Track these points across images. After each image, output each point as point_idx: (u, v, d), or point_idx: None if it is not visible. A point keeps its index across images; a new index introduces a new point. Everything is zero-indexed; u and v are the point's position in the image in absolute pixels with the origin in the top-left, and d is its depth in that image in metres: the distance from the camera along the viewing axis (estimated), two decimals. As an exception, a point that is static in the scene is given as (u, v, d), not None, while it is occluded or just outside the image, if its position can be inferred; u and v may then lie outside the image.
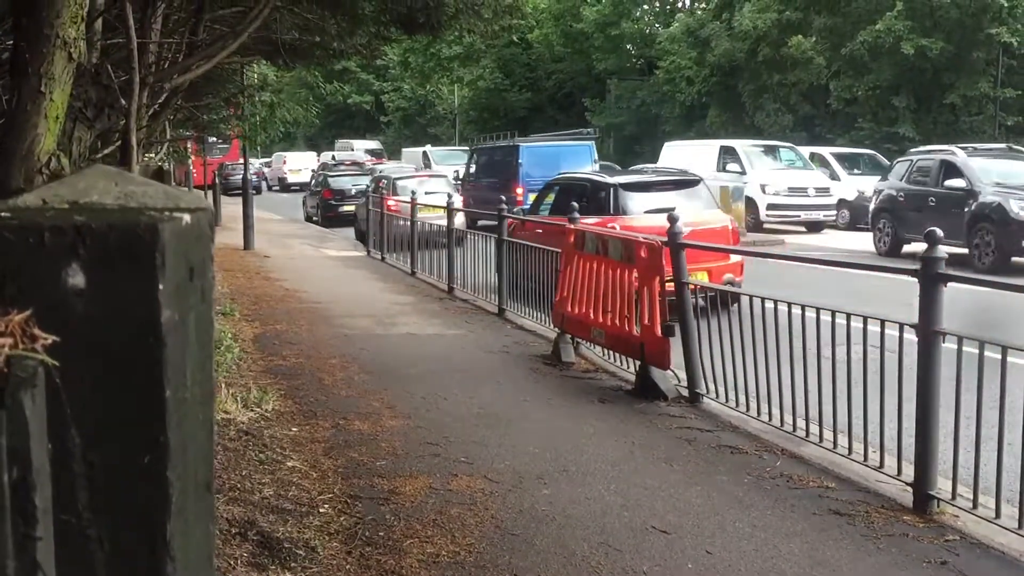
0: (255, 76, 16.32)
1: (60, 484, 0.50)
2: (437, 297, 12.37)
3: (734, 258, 10.19)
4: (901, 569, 3.98)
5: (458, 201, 15.29)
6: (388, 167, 26.74)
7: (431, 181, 21.06)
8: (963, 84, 28.54)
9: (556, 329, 8.49)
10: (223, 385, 6.59)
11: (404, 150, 39.30)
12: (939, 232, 4.61)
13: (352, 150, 41.96)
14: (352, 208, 23.31)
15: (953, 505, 4.54)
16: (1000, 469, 4.30)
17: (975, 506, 4.42)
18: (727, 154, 22.78)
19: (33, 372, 0.45)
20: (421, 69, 55.39)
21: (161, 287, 0.51)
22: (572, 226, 8.43)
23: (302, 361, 8.12)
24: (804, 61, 33.02)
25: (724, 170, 22.23)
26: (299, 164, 41.97)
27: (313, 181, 29.45)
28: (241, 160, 23.32)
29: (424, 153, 35.13)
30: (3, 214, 0.53)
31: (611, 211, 10.88)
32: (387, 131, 58.98)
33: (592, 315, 7.74)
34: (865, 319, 5.20)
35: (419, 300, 12.16)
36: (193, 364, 0.56)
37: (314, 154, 45.00)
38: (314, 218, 26.81)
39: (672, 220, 7.08)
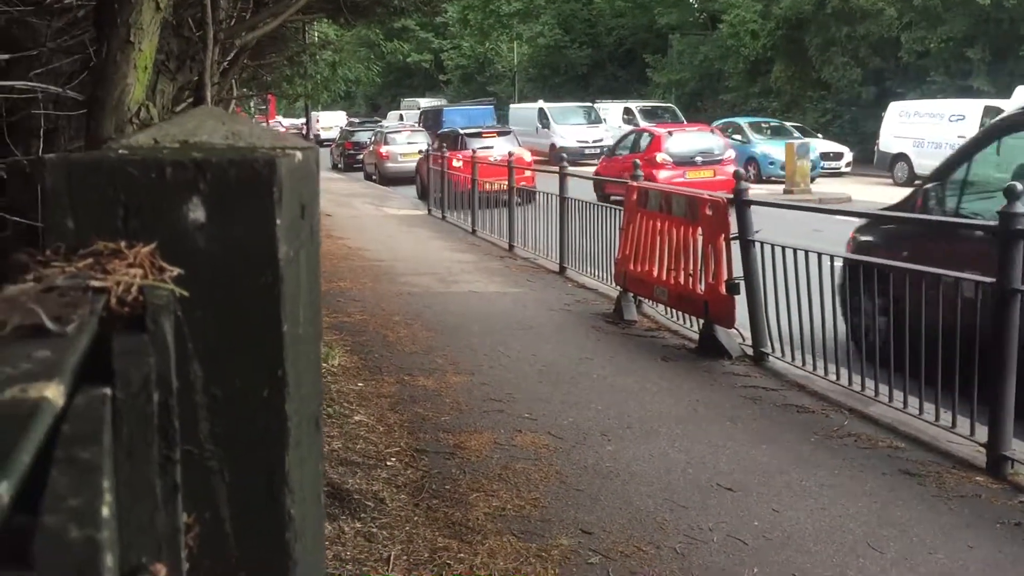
0: (316, 35, 16.38)
1: (183, 415, 0.51)
2: (498, 255, 12.39)
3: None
4: (973, 530, 3.91)
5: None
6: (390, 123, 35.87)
7: (415, 135, 27.46)
8: (1042, 35, 27.36)
9: (618, 287, 8.45)
10: (291, 340, 6.71)
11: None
12: (1019, 186, 4.45)
13: (419, 108, 42.92)
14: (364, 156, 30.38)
15: (1028, 467, 4.44)
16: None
17: (1052, 468, 4.32)
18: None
19: (167, 300, 0.45)
20: (480, 26, 55.08)
21: (278, 222, 0.51)
22: (635, 183, 8.35)
23: (366, 318, 8.22)
24: (874, 12, 31.96)
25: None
26: (330, 122, 47.04)
27: (338, 136, 36.66)
28: (278, 118, 31.88)
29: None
30: (122, 151, 0.53)
31: (460, 147, 19.32)
32: (447, 89, 58.81)
33: (655, 273, 7.69)
34: (939, 276, 5.07)
35: (480, 258, 12.20)
36: (305, 301, 0.56)
37: (343, 113, 49.12)
38: (339, 164, 33.19)
39: (738, 177, 6.97)
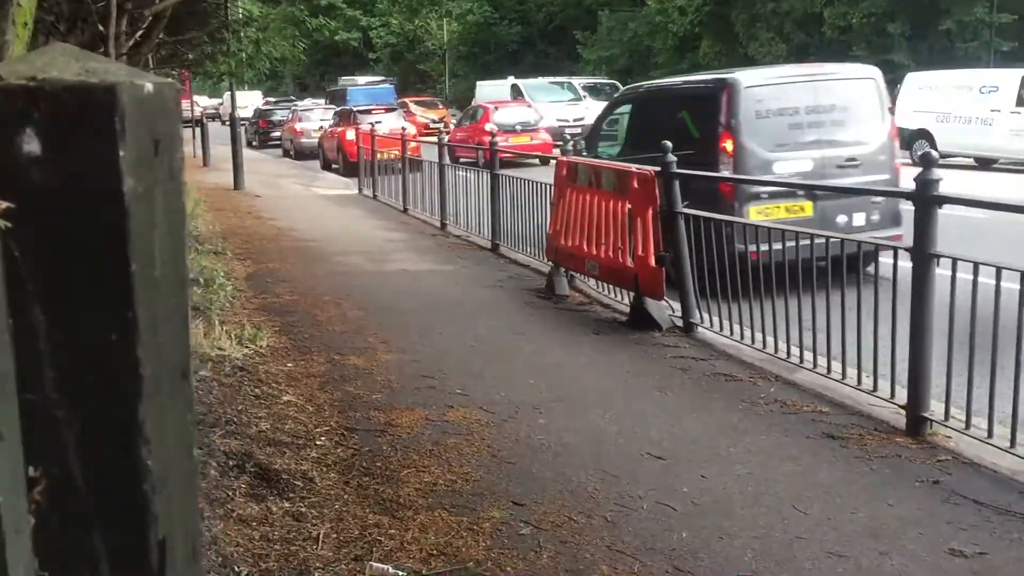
0: (240, 12, 16.00)
1: (25, 363, 0.47)
2: (430, 234, 12.32)
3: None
4: (893, 488, 4.02)
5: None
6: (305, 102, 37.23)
7: (327, 112, 29.47)
8: (958, 9, 28.15)
9: (550, 263, 8.47)
10: (217, 323, 6.58)
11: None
12: (934, 154, 4.56)
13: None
14: (279, 134, 32.61)
15: (946, 427, 4.57)
16: (992, 391, 4.32)
17: (967, 427, 4.46)
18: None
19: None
20: (409, 3, 54.57)
21: (122, 154, 0.48)
22: (565, 158, 8.35)
23: (296, 298, 8.10)
24: (798, -11, 32.50)
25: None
26: (245, 102, 49.67)
27: (252, 115, 37.79)
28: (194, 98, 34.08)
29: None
30: (-49, 83, 0.49)
31: (353, 122, 21.81)
32: (376, 68, 58.15)
33: (586, 247, 7.71)
34: (859, 243, 5.18)
35: (412, 237, 12.12)
36: (162, 242, 0.53)
37: (258, 93, 49.08)
38: (253, 142, 34.21)
39: (664, 149, 7.02)
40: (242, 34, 14.83)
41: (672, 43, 39.91)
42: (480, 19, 50.38)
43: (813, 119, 8.35)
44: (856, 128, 8.50)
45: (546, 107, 29.07)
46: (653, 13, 40.77)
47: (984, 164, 19.17)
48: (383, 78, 46.78)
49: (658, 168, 6.89)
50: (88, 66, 0.57)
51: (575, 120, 28.65)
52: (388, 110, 25.25)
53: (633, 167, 7.29)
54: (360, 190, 17.88)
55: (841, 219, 7.95)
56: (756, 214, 7.74)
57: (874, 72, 8.80)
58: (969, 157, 19.20)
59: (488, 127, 21.51)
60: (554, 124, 27.45)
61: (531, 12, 49.92)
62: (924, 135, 20.11)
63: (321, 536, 3.59)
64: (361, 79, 46.39)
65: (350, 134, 21.17)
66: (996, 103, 18.82)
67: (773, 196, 7.99)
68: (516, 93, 31.33)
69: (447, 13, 51.95)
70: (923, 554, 3.45)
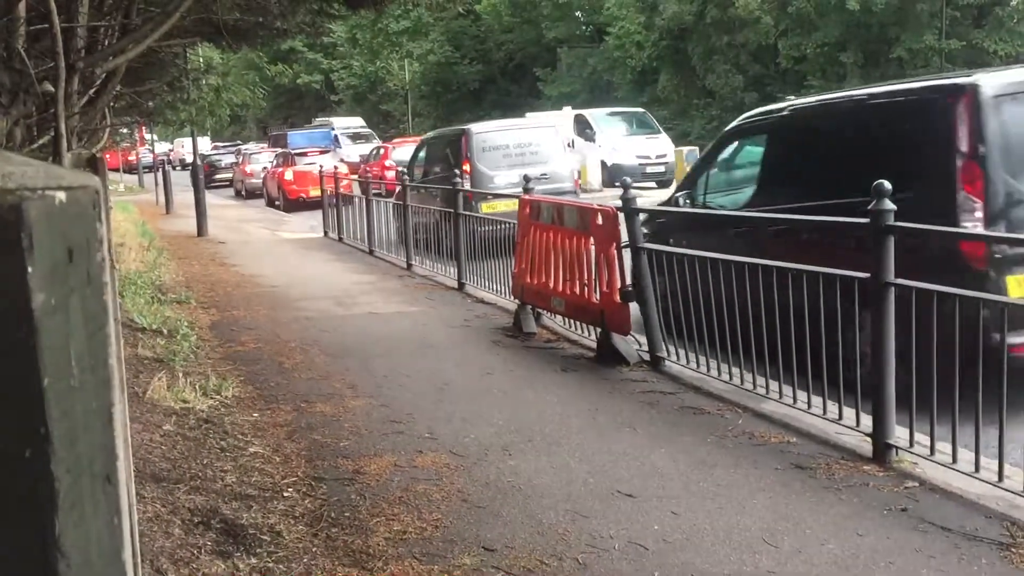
0: (200, 60, 16.01)
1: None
2: (396, 275, 12.31)
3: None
4: (862, 518, 4.04)
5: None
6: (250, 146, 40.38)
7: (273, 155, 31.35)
8: (908, 38, 28.80)
9: (516, 301, 8.48)
10: (180, 374, 6.50)
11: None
12: (887, 184, 4.63)
13: (332, 130, 43.12)
14: (227, 175, 35.02)
15: (911, 453, 4.61)
16: (955, 415, 4.37)
17: (932, 453, 4.50)
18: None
19: None
20: (370, 45, 54.88)
21: (30, 270, 0.48)
22: (527, 196, 8.41)
23: (261, 346, 8.04)
24: (752, 21, 33.09)
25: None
26: (191, 148, 49.80)
27: (195, 159, 38.88)
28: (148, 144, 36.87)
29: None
30: None
31: (291, 164, 25.25)
32: (338, 109, 58.30)
33: (551, 285, 7.74)
34: (820, 274, 5.24)
35: (379, 278, 12.09)
36: (79, 350, 0.53)
37: (207, 139, 49.89)
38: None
39: (625, 187, 7.08)
40: (202, 82, 14.84)
41: (631, 77, 40.45)
42: (441, 59, 50.76)
43: None
44: None
45: (620, 141, 24.94)
46: (612, 48, 41.32)
47: None
48: (360, 121, 46.90)
49: (620, 204, 6.93)
50: (4, 171, 0.57)
51: (657, 157, 24.39)
52: (323, 152, 28.20)
53: (595, 204, 7.35)
54: (326, 233, 17.84)
55: None
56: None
57: None
58: None
59: (388, 163, 24.84)
60: (633, 162, 23.59)
61: (491, 51, 50.41)
62: None
63: (289, 592, 3.54)
64: (337, 121, 46.47)
65: (288, 174, 25.10)
66: None
67: None
68: (583, 126, 26.06)
69: (408, 54, 52.29)
70: (893, 584, 3.46)
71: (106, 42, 4.34)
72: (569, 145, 10.03)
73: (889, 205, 4.58)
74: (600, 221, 7.03)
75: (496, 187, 13.09)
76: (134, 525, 2.53)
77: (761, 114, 7.64)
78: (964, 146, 5.41)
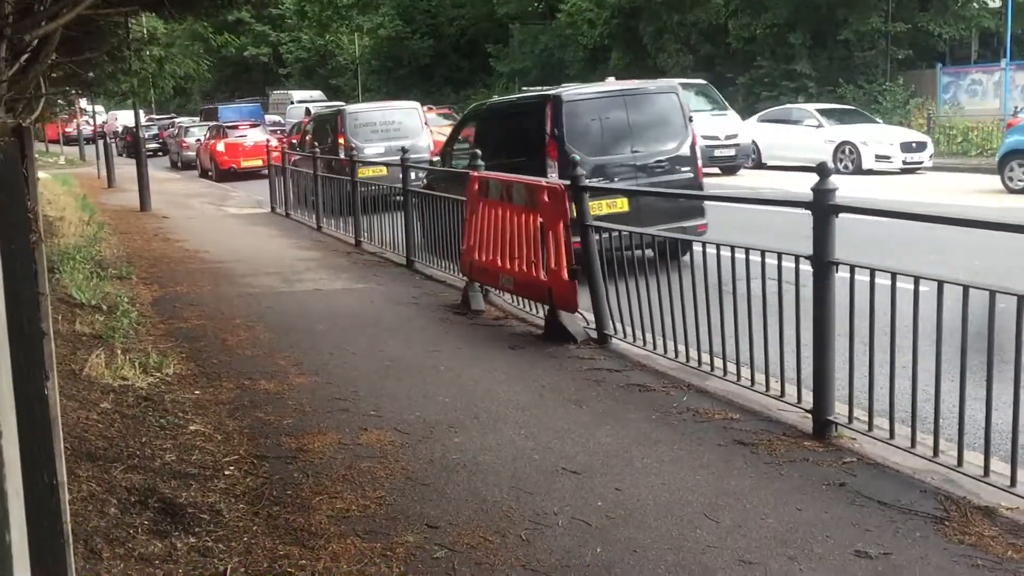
0: (143, 30, 15.57)
1: None
2: (345, 252, 12.18)
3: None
4: (802, 493, 4.09)
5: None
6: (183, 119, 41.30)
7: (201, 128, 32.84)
8: (856, 19, 29.04)
9: (465, 278, 8.44)
10: (119, 351, 6.37)
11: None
12: (830, 164, 4.67)
13: (292, 103, 42.46)
14: (153, 147, 37.00)
15: (850, 429, 4.68)
16: (892, 392, 4.45)
17: (871, 428, 4.57)
18: None
19: None
20: (319, 18, 53.96)
21: None
22: (476, 173, 8.34)
23: (204, 323, 7.90)
24: (702, 1, 33.18)
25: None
26: (126, 120, 50.67)
27: (121, 130, 42.09)
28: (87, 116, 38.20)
29: None
30: None
31: (223, 136, 26.78)
32: (287, 83, 57.38)
33: (500, 262, 7.71)
34: (763, 252, 5.28)
35: (325, 255, 11.96)
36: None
37: (141, 112, 49.74)
38: (123, 153, 36.54)
39: (574, 164, 7.07)
40: (145, 52, 14.44)
41: (583, 55, 40.33)
42: (392, 33, 50.07)
43: None
44: None
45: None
46: (563, 26, 41.13)
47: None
48: (319, 94, 46.28)
49: (568, 182, 6.93)
50: None
51: (727, 138, 20.80)
52: (253, 125, 29.44)
53: (543, 181, 7.31)
54: (272, 208, 17.59)
55: None
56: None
57: None
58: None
59: (308, 137, 26.94)
60: (700, 142, 20.00)
61: (443, 26, 49.90)
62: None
63: (228, 571, 3.48)
64: (296, 94, 45.74)
65: (219, 146, 26.65)
66: None
67: None
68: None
69: (358, 28, 51.55)
70: (830, 557, 3.52)
71: (39, 7, 4.19)
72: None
73: (832, 184, 4.63)
74: (547, 198, 7.00)
75: (366, 157, 16.05)
76: (64, 504, 2.46)
77: (477, 106, 12.40)
78: (549, 129, 9.41)
